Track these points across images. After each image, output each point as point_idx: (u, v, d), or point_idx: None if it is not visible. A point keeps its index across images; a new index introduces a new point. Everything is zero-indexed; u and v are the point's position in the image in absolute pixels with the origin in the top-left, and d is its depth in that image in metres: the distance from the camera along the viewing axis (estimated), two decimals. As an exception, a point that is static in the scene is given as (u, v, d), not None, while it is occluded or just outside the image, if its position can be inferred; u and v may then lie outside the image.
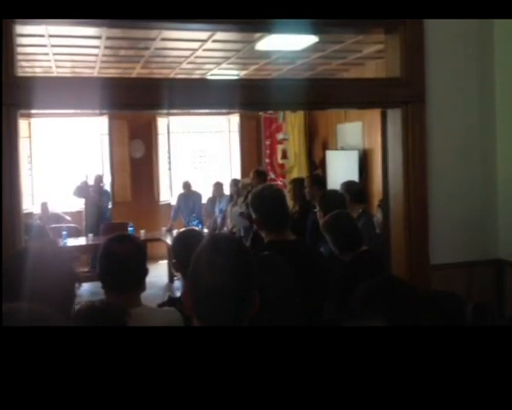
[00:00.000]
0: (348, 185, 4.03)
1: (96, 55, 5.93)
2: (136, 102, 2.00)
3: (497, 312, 2.23)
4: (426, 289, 1.95)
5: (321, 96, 2.05)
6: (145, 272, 1.91)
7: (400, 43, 2.16)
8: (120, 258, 1.78)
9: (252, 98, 2.14)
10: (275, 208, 2.47)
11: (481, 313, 1.53)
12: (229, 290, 1.29)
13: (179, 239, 2.40)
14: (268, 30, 2.88)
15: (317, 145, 8.65)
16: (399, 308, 1.47)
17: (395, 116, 2.21)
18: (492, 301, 2.24)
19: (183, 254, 2.29)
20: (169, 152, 9.20)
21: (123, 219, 8.02)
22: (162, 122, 9.06)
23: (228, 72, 7.25)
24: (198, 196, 8.12)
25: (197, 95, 2.06)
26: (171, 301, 2.17)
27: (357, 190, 4.04)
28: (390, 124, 2.25)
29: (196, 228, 4.30)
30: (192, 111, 8.25)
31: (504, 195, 2.29)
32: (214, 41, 5.58)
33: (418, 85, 2.18)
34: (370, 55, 6.53)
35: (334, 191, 3.98)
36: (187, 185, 8.05)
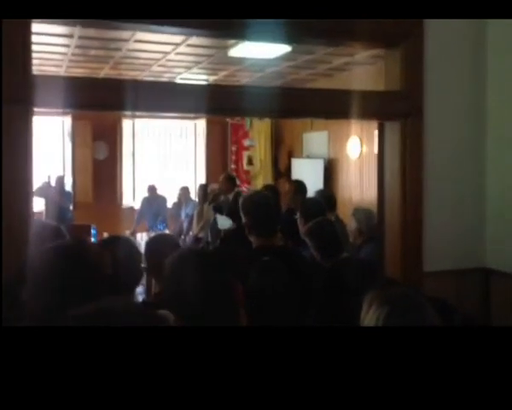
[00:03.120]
0: (321, 193, 4.11)
1: (65, 53, 5.82)
2: (100, 103, 1.97)
3: (484, 316, 2.35)
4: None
5: (321, 105, 2.10)
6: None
7: (400, 57, 2.24)
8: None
9: (222, 104, 2.16)
10: (264, 214, 2.51)
11: (468, 322, 1.60)
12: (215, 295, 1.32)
13: (152, 244, 2.38)
14: (245, 37, 2.90)
15: (282, 153, 8.75)
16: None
17: (393, 128, 2.30)
18: (479, 307, 2.36)
19: (156, 258, 2.28)
20: (133, 155, 9.09)
21: (84, 221, 7.85)
22: (127, 124, 8.95)
23: (197, 76, 7.25)
24: (163, 200, 8.05)
25: (164, 98, 2.06)
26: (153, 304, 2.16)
27: (329, 199, 4.13)
28: (388, 135, 2.33)
29: (167, 232, 4.27)
30: (158, 114, 8.21)
31: (492, 208, 2.42)
32: (188, 45, 5.58)
33: (417, 99, 2.28)
34: (339, 66, 6.69)
35: (313, 199, 4.05)
36: (152, 189, 7.97)
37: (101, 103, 2.00)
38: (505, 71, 2.33)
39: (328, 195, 4.29)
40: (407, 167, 2.24)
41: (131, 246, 1.92)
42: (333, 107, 2.09)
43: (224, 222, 5.49)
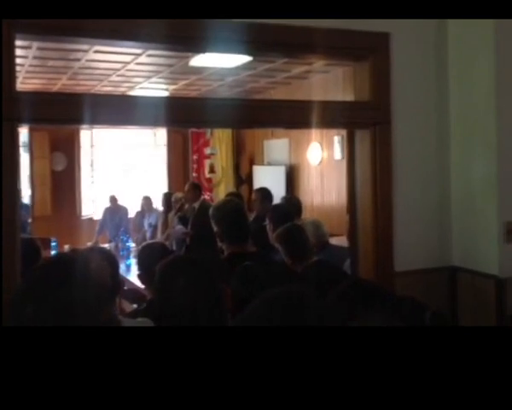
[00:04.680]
0: (288, 200, 4.21)
1: (21, 65, 5.71)
2: (57, 118, 1.95)
3: (451, 313, 2.48)
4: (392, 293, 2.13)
5: (296, 116, 2.18)
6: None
7: (369, 70, 2.35)
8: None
9: (182, 116, 2.16)
10: (236, 221, 2.56)
11: (438, 319, 1.70)
12: (205, 301, 1.37)
13: (144, 251, 2.42)
14: (206, 50, 2.92)
15: (244, 160, 8.82)
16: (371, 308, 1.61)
17: (363, 136, 2.40)
18: (447, 304, 2.48)
19: (149, 266, 2.32)
20: (92, 165, 8.97)
21: (43, 234, 7.67)
22: (85, 135, 8.83)
23: (157, 85, 7.23)
24: (125, 210, 7.97)
25: (122, 111, 2.05)
26: (145, 310, 2.19)
27: (295, 204, 4.23)
28: (358, 143, 2.44)
29: (158, 241, 4.24)
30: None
31: (456, 209, 2.55)
32: (148, 55, 5.58)
33: (385, 109, 2.38)
34: (297, 75, 6.83)
35: (282, 205, 4.14)
36: (113, 199, 7.88)
37: (59, 118, 1.97)
38: (466, 80, 2.49)
39: (295, 201, 4.39)
40: (377, 172, 2.34)
41: (111, 256, 1.94)
42: (304, 117, 2.17)
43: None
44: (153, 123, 2.24)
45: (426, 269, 2.47)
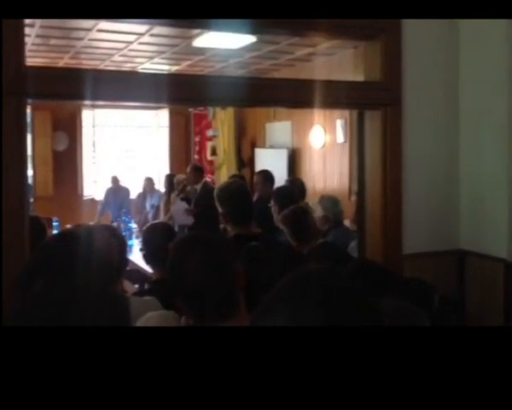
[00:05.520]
0: (292, 182, 4.21)
1: (24, 43, 5.66)
2: (65, 93, 1.95)
3: (459, 295, 2.49)
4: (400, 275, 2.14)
5: (305, 95, 2.16)
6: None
7: (380, 49, 2.33)
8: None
9: (185, 94, 2.13)
10: (240, 203, 2.56)
11: (447, 302, 1.71)
12: (220, 279, 1.37)
13: (149, 232, 2.42)
14: (210, 27, 2.88)
15: (245, 143, 8.80)
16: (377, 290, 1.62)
17: (373, 117, 2.39)
18: (455, 287, 2.49)
19: (154, 246, 2.33)
20: (94, 146, 8.94)
21: (44, 213, 7.63)
22: (87, 115, 8.79)
23: (159, 66, 7.19)
24: (126, 191, 7.97)
25: (125, 87, 2.03)
26: (150, 291, 2.20)
27: (300, 187, 4.23)
28: (368, 124, 2.42)
29: (163, 221, 4.23)
30: (119, 104, 8.10)
31: (466, 192, 2.55)
32: (151, 35, 5.53)
33: (396, 89, 2.36)
34: (301, 57, 6.78)
35: (287, 187, 4.14)
36: (115, 180, 7.87)
37: (62, 93, 1.97)
38: (478, 63, 2.48)
39: (299, 183, 4.39)
40: (387, 154, 2.34)
41: (119, 234, 1.95)
42: (313, 96, 2.15)
43: (182, 219, 5.50)
44: (155, 100, 2.20)
45: (434, 252, 2.47)
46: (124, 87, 2.05)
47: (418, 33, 2.41)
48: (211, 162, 8.78)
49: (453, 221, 2.53)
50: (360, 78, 2.59)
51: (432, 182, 2.50)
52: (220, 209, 2.59)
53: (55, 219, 7.12)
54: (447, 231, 2.51)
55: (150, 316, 1.51)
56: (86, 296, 1.17)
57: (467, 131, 2.51)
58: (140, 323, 1.50)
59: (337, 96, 2.25)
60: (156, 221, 3.99)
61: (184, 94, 2.15)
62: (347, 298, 0.74)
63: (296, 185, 4.18)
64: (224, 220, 2.60)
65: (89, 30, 5.26)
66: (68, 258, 1.11)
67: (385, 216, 2.33)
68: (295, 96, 2.21)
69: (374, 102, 2.32)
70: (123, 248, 1.94)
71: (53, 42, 5.73)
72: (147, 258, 2.36)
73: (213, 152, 8.62)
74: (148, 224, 2.86)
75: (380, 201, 2.34)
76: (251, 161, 8.42)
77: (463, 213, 2.53)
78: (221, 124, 8.64)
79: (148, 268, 5.00)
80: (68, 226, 7.60)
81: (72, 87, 1.92)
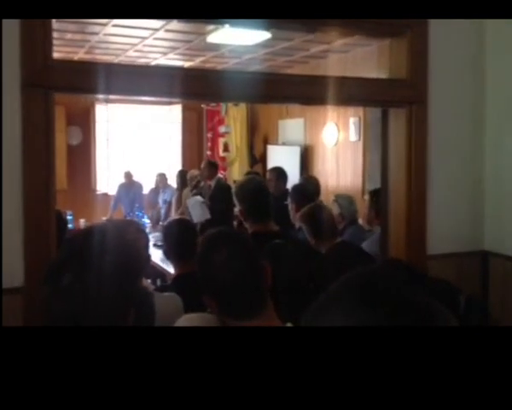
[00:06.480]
0: (308, 180, 4.21)
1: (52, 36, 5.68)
2: (85, 86, 1.94)
3: (483, 297, 2.48)
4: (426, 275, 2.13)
5: (328, 92, 2.14)
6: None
7: (406, 46, 2.30)
8: None
9: (198, 88, 2.12)
10: (259, 200, 2.56)
11: (473, 303, 1.70)
12: (249, 276, 1.37)
13: (171, 227, 2.43)
14: (225, 23, 2.84)
15: (258, 140, 8.79)
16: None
17: (398, 115, 2.37)
18: (479, 289, 2.48)
19: (175, 241, 2.34)
20: (107, 140, 8.97)
21: (59, 207, 7.73)
22: (101, 110, 8.82)
23: (173, 62, 7.19)
24: (139, 186, 8.00)
25: (148, 81, 2.04)
26: (170, 286, 2.21)
27: (315, 185, 4.22)
28: (392, 122, 2.40)
29: (184, 217, 4.23)
30: (132, 99, 8.12)
31: (490, 192, 2.53)
32: (167, 30, 5.54)
33: (422, 87, 2.34)
34: (316, 54, 6.76)
35: (304, 185, 4.13)
36: (128, 175, 7.90)
37: (77, 87, 1.97)
38: (505, 61, 2.45)
39: (314, 181, 4.39)
40: (412, 153, 2.32)
41: (144, 229, 1.96)
42: (339, 93, 2.13)
43: (199, 213, 5.48)
44: (168, 95, 2.18)
45: (458, 253, 2.46)
46: (147, 81, 2.04)
47: (445, 30, 2.38)
48: (223, 158, 8.77)
49: (477, 222, 2.51)
50: (379, 75, 2.57)
51: (456, 181, 2.48)
52: (239, 206, 2.60)
53: (68, 212, 7.18)
54: (471, 231, 2.50)
55: (190, 317, 1.50)
56: (114, 291, 1.17)
57: (492, 130, 2.49)
58: (180, 324, 1.49)
59: (359, 93, 2.23)
60: (176, 217, 3.99)
61: (198, 89, 2.14)
62: (406, 299, 0.74)
63: (311, 183, 4.17)
64: (243, 217, 2.60)
65: (104, 25, 5.27)
66: (97, 253, 1.12)
67: (409, 216, 2.32)
68: (316, 92, 2.20)
69: (399, 100, 2.31)
70: (147, 242, 1.95)
71: (69, 36, 5.75)
72: (167, 253, 2.37)
73: (225, 148, 8.61)
74: (169, 219, 2.87)
75: (404, 200, 2.32)
76: (263, 158, 8.41)
77: (488, 213, 2.51)
78: (233, 120, 8.64)
79: (161, 264, 5.05)
80: (81, 221, 7.67)
81: (97, 81, 1.92)
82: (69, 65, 2.07)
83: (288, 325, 1.39)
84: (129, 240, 1.36)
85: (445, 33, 2.41)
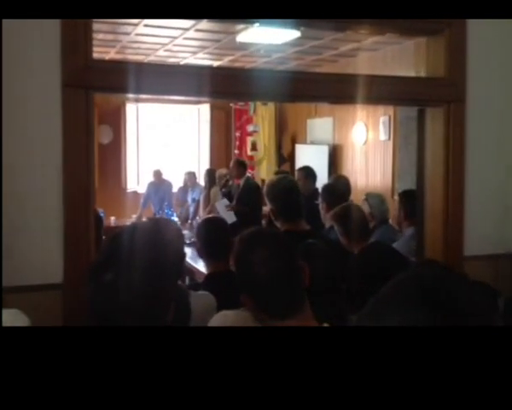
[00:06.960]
0: (339, 179, 4.18)
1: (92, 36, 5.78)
2: (123, 86, 1.96)
3: None
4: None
5: (358, 91, 2.13)
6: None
7: (444, 44, 2.27)
8: None
9: (227, 87, 2.12)
10: (290, 199, 2.56)
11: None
12: (287, 275, 1.37)
13: (204, 226, 2.45)
14: (255, 22, 2.83)
15: (286, 139, 8.77)
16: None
17: (435, 115, 2.34)
18: None
19: (209, 240, 2.35)
20: (137, 139, 9.08)
21: (89, 205, 7.87)
22: (131, 109, 8.93)
23: (202, 61, 7.24)
24: (169, 184, 8.07)
25: (169, 81, 2.04)
26: (203, 285, 2.22)
27: (345, 184, 4.19)
28: (429, 122, 2.37)
29: (217, 216, 4.25)
30: (162, 99, 8.19)
31: None
32: (197, 30, 5.57)
33: (460, 86, 2.31)
34: (345, 52, 6.71)
35: (334, 184, 4.11)
36: (158, 174, 7.98)
37: (108, 86, 1.99)
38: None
39: (345, 180, 4.36)
40: (450, 153, 2.28)
41: (179, 228, 1.98)
42: (369, 92, 2.11)
43: (226, 215, 5.49)
44: (197, 94, 2.19)
45: (495, 255, 2.41)
46: (176, 80, 2.06)
47: (484, 28, 2.33)
48: (251, 157, 8.79)
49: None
50: (412, 73, 2.54)
51: (494, 182, 2.43)
52: (270, 205, 2.60)
53: (100, 210, 7.28)
54: (508, 233, 2.44)
55: (226, 314, 1.51)
56: (156, 288, 1.18)
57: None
58: (216, 322, 1.50)
59: (391, 91, 2.21)
60: (211, 215, 4.00)
61: (226, 88, 2.15)
62: (460, 301, 0.73)
63: (342, 183, 4.14)
64: (274, 216, 2.60)
65: (136, 25, 5.34)
66: (138, 250, 1.13)
67: (446, 217, 2.28)
68: (345, 91, 2.18)
69: (436, 99, 2.27)
70: (184, 241, 1.97)
71: (100, 36, 5.83)
72: (201, 252, 2.38)
73: (253, 147, 8.63)
74: (204, 217, 2.88)
75: (441, 201, 2.29)
76: (291, 157, 8.40)
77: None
78: (261, 119, 8.64)
79: (190, 261, 5.08)
80: (112, 219, 7.77)
81: (131, 80, 1.95)
82: (107, 65, 2.10)
83: (325, 325, 1.39)
84: (169, 238, 1.38)
85: (484, 31, 2.36)
